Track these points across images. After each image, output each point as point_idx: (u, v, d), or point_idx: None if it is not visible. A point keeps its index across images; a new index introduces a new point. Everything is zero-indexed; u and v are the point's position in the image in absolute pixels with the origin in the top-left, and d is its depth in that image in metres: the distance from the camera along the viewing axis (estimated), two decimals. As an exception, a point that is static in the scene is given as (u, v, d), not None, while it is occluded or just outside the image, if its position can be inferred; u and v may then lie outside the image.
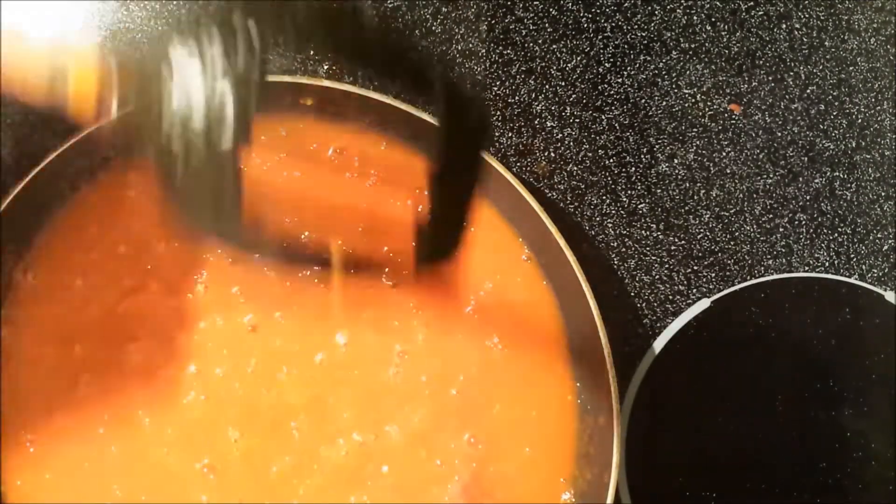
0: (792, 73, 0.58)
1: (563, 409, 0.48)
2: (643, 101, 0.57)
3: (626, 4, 0.58)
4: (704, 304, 0.54)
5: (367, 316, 0.48)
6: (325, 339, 0.48)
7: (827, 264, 0.56)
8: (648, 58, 0.58)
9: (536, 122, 0.56)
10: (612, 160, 0.56)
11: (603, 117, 0.57)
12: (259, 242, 0.36)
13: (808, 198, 0.57)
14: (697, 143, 0.57)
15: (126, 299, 0.48)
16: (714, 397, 0.52)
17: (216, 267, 0.49)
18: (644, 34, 0.58)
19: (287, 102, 0.49)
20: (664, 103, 0.57)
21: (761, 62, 0.58)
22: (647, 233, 0.56)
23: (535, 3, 0.58)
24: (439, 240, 0.39)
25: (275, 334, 0.48)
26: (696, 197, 0.56)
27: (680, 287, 0.55)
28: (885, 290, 0.55)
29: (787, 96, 0.58)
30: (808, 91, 0.58)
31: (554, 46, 0.57)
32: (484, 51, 0.57)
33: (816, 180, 0.57)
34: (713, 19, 0.58)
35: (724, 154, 0.57)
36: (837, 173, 0.57)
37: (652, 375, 0.52)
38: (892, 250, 0.57)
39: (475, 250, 0.49)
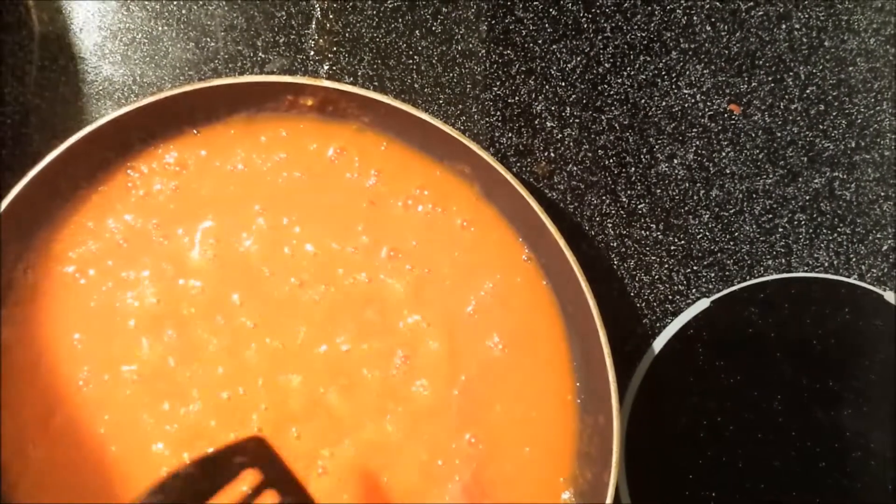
0: (792, 74, 0.58)
1: (563, 408, 0.49)
2: (643, 101, 0.57)
3: (625, 5, 0.58)
4: (704, 303, 0.54)
5: (368, 316, 0.48)
6: (326, 341, 0.48)
7: (826, 264, 0.56)
8: (648, 58, 0.58)
9: (536, 122, 0.56)
10: (611, 160, 0.56)
11: (603, 117, 0.57)
12: None
13: (807, 198, 0.57)
14: (697, 143, 0.57)
15: (127, 296, 0.48)
16: (713, 397, 0.52)
17: (211, 264, 0.49)
18: (644, 34, 0.58)
19: (287, 103, 0.49)
20: (664, 103, 0.57)
21: (761, 62, 0.58)
22: (647, 233, 0.56)
23: (535, 3, 0.58)
24: None
25: (276, 335, 0.48)
26: (695, 197, 0.56)
27: (679, 287, 0.55)
28: (885, 290, 0.55)
29: (786, 96, 0.58)
30: (808, 91, 0.58)
31: (554, 47, 0.57)
32: (484, 51, 0.57)
33: (816, 180, 0.57)
34: (713, 20, 0.58)
35: (723, 154, 0.57)
36: (837, 173, 0.57)
37: (651, 375, 0.52)
38: (891, 250, 0.57)
39: (475, 250, 0.50)
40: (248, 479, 0.43)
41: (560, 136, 0.56)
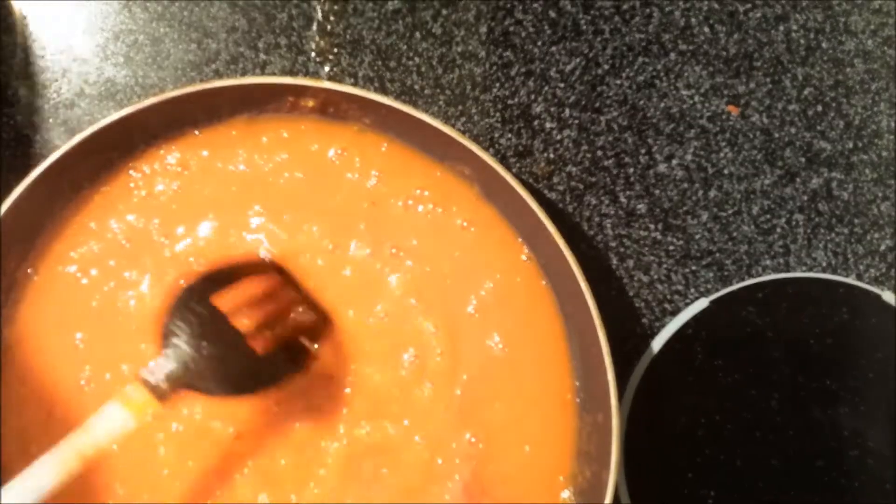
0: (789, 75, 0.58)
1: (562, 407, 0.49)
2: (641, 102, 0.57)
3: (624, 7, 0.58)
4: (702, 303, 0.54)
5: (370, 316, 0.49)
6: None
7: (824, 264, 0.57)
8: (647, 60, 0.58)
9: (536, 123, 0.57)
10: (610, 161, 0.57)
11: (602, 119, 0.57)
12: None
13: (805, 198, 0.57)
14: (695, 144, 0.57)
15: (128, 296, 0.48)
16: (712, 396, 0.53)
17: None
18: (642, 36, 0.58)
19: (289, 104, 0.49)
20: (662, 105, 0.57)
21: (759, 64, 0.58)
22: (646, 233, 0.56)
23: (534, 5, 0.58)
24: None
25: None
26: (694, 197, 0.57)
27: (678, 287, 0.56)
28: (882, 289, 0.55)
29: (784, 97, 0.58)
30: (806, 92, 0.58)
31: (553, 48, 0.58)
32: (484, 53, 0.57)
33: (814, 181, 0.57)
34: (711, 21, 0.59)
35: (721, 155, 0.57)
36: (835, 174, 0.58)
37: (650, 374, 0.52)
38: (888, 250, 0.57)
39: (475, 250, 0.50)
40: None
41: (559, 136, 0.57)
